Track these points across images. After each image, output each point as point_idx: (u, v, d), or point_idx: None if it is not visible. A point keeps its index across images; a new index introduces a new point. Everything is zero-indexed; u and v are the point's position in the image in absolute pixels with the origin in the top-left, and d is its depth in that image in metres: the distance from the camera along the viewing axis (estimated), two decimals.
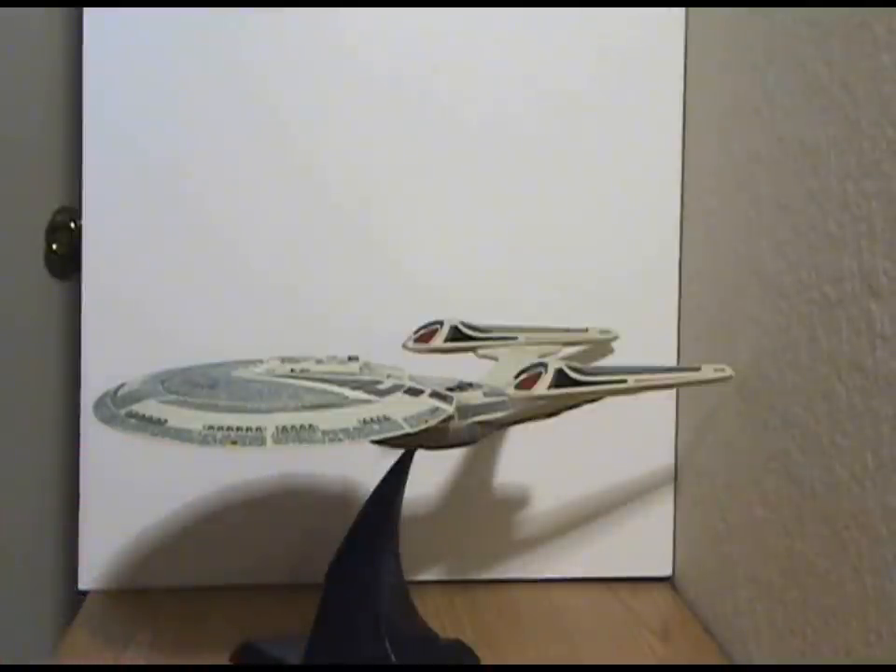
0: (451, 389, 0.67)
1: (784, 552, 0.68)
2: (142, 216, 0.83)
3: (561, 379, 0.68)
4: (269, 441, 0.57)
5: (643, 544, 0.88)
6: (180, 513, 0.85)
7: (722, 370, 0.74)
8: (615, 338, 0.85)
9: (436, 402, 0.63)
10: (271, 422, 0.58)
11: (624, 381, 0.70)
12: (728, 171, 0.78)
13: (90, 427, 0.83)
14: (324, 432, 0.57)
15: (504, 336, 0.79)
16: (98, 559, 0.84)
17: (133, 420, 0.59)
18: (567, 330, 0.83)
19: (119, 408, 0.61)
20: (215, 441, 0.57)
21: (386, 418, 0.59)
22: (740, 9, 0.76)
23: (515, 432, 0.86)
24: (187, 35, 0.83)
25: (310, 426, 0.58)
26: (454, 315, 0.84)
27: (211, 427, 0.57)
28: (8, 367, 1.07)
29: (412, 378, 0.67)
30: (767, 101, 0.72)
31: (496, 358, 0.77)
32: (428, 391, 0.63)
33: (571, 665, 0.73)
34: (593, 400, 0.72)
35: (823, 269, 0.63)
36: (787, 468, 0.68)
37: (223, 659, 0.73)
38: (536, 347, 0.80)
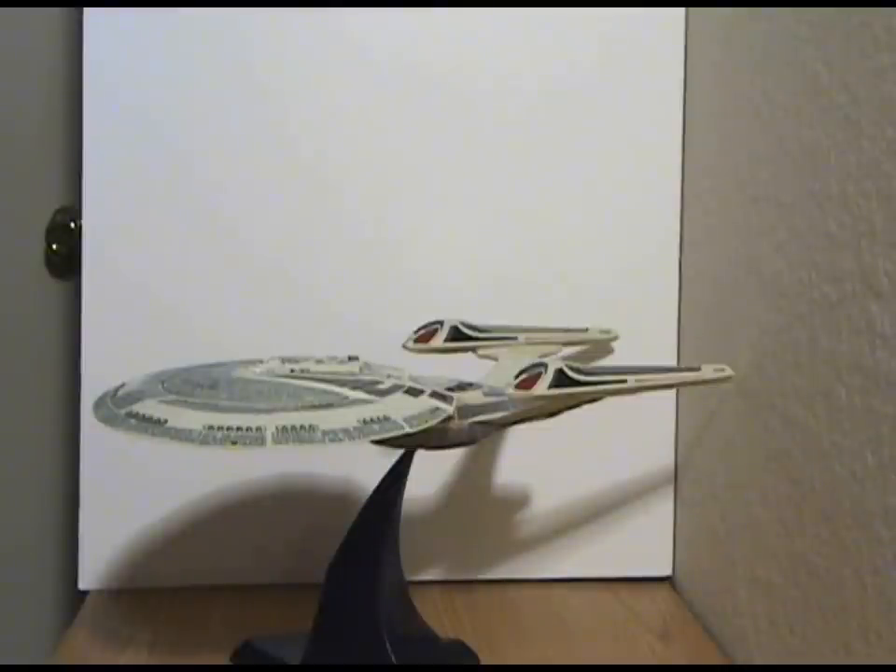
0: (451, 389, 0.67)
1: (784, 552, 0.68)
2: (142, 215, 0.83)
3: (561, 379, 0.68)
4: (269, 440, 0.57)
5: (643, 544, 0.88)
6: (180, 513, 0.85)
7: (722, 370, 0.74)
8: (615, 338, 0.85)
9: (436, 402, 0.63)
10: (271, 422, 0.58)
11: (624, 381, 0.70)
12: (728, 171, 0.78)
13: (90, 427, 0.83)
14: (324, 432, 0.57)
15: (504, 336, 0.79)
16: (98, 559, 0.84)
17: (133, 420, 0.59)
18: (567, 330, 0.83)
19: (119, 408, 0.61)
20: (215, 441, 0.57)
21: (386, 418, 0.59)
22: (740, 9, 0.76)
23: (515, 432, 0.86)
24: (187, 35, 0.83)
25: (310, 426, 0.58)
26: (454, 315, 0.84)
27: (211, 427, 0.57)
28: (8, 367, 1.07)
29: (412, 378, 0.67)
30: (767, 101, 0.72)
31: (496, 358, 0.77)
32: (428, 391, 0.63)
33: (571, 665, 0.73)
34: (593, 400, 0.73)
35: (823, 269, 0.63)
36: (787, 468, 0.68)
37: (223, 659, 0.73)
38: (536, 347, 0.80)
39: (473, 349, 0.78)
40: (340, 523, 0.73)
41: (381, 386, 0.63)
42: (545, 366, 0.69)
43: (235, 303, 0.84)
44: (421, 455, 0.68)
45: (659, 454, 0.88)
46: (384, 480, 0.69)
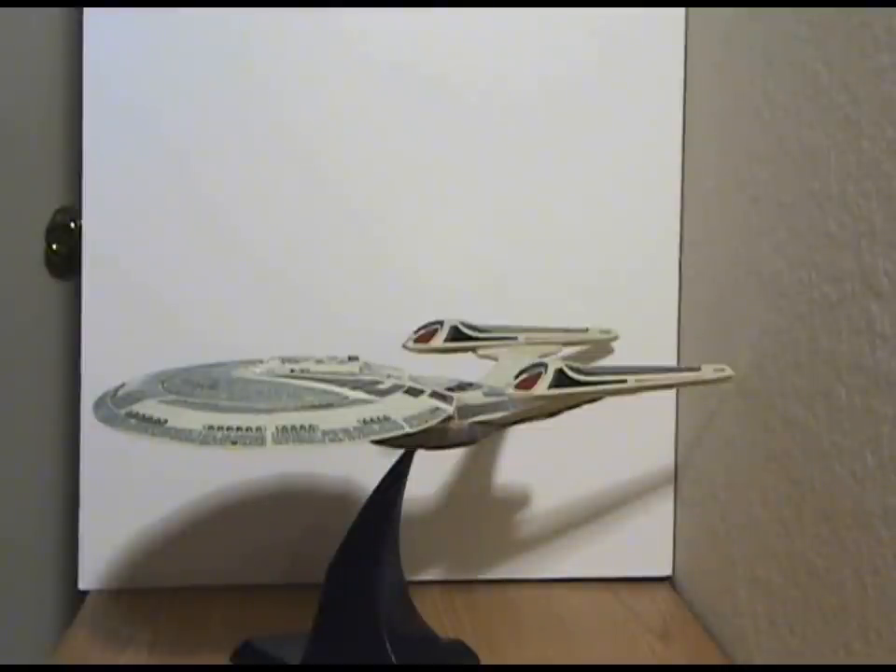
0: (451, 389, 0.67)
1: (784, 552, 0.68)
2: (142, 215, 0.83)
3: (561, 379, 0.68)
4: (269, 440, 0.57)
5: (643, 544, 0.88)
6: (180, 513, 0.85)
7: (722, 370, 0.74)
8: (615, 338, 0.85)
9: (436, 402, 0.63)
10: (271, 422, 0.57)
11: (624, 381, 0.70)
12: (728, 171, 0.78)
13: (90, 427, 0.83)
14: (324, 432, 0.57)
15: (504, 336, 0.79)
16: (98, 559, 0.84)
17: (133, 420, 0.59)
18: (567, 330, 0.83)
19: (119, 408, 0.61)
20: (215, 441, 0.57)
21: (386, 418, 0.59)
22: (740, 10, 0.76)
23: (515, 432, 0.86)
24: (187, 35, 0.83)
25: (310, 426, 0.58)
26: (454, 315, 0.84)
27: (211, 427, 0.57)
28: (8, 367, 1.07)
29: (412, 378, 0.67)
30: (767, 101, 0.72)
31: (496, 358, 0.77)
32: (428, 391, 0.63)
33: (571, 665, 0.73)
34: (593, 400, 0.73)
35: (823, 269, 0.63)
36: (787, 468, 0.68)
37: (223, 659, 0.73)
38: (536, 347, 0.80)
39: (473, 349, 0.78)
40: (340, 523, 0.73)
41: (381, 386, 0.63)
42: (545, 366, 0.68)
43: (235, 303, 0.84)
44: (421, 455, 0.68)
45: (659, 454, 0.88)
46: (384, 480, 0.69)
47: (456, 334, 0.78)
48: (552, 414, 0.71)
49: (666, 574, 0.89)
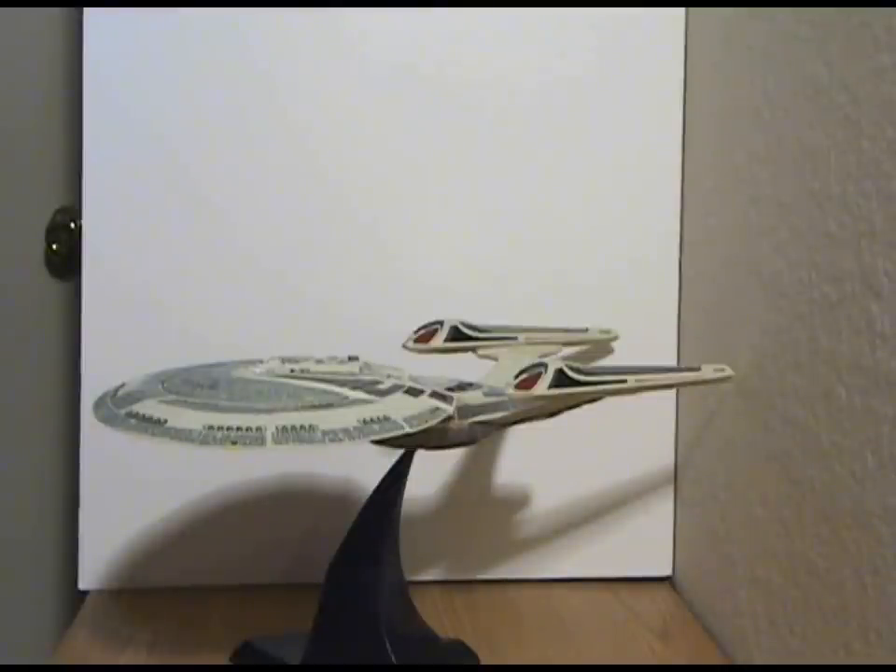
0: (451, 389, 0.67)
1: (784, 552, 0.68)
2: (142, 215, 0.83)
3: (561, 379, 0.68)
4: (269, 440, 0.57)
5: (643, 544, 0.88)
6: (180, 513, 0.85)
7: (722, 370, 0.74)
8: (615, 338, 0.85)
9: (436, 402, 0.63)
10: (271, 422, 0.58)
11: (624, 381, 0.70)
12: (728, 171, 0.78)
13: (90, 427, 0.83)
14: (324, 432, 0.57)
15: (504, 336, 0.79)
16: (98, 559, 0.84)
17: (133, 420, 0.59)
18: (567, 330, 0.83)
19: (119, 408, 0.61)
20: (215, 440, 0.57)
21: (386, 418, 0.59)
22: (740, 10, 0.76)
23: (515, 432, 0.86)
24: (187, 35, 0.83)
25: (310, 426, 0.58)
26: (454, 315, 0.84)
27: (211, 427, 0.57)
28: (8, 367, 1.08)
29: (412, 378, 0.67)
30: (767, 101, 0.72)
31: (496, 358, 0.77)
32: (428, 391, 0.63)
33: (571, 665, 0.73)
34: (593, 400, 0.73)
35: (823, 269, 0.63)
36: (787, 468, 0.68)
37: (223, 659, 0.73)
38: (536, 347, 0.80)
39: (473, 349, 0.78)
40: (340, 523, 0.73)
41: (381, 386, 0.63)
42: (545, 366, 0.69)
43: (235, 303, 0.84)
44: (421, 455, 0.68)
45: (659, 454, 0.88)
46: (384, 480, 0.69)
47: (456, 334, 0.78)
48: (552, 414, 0.71)
49: (666, 574, 0.89)
